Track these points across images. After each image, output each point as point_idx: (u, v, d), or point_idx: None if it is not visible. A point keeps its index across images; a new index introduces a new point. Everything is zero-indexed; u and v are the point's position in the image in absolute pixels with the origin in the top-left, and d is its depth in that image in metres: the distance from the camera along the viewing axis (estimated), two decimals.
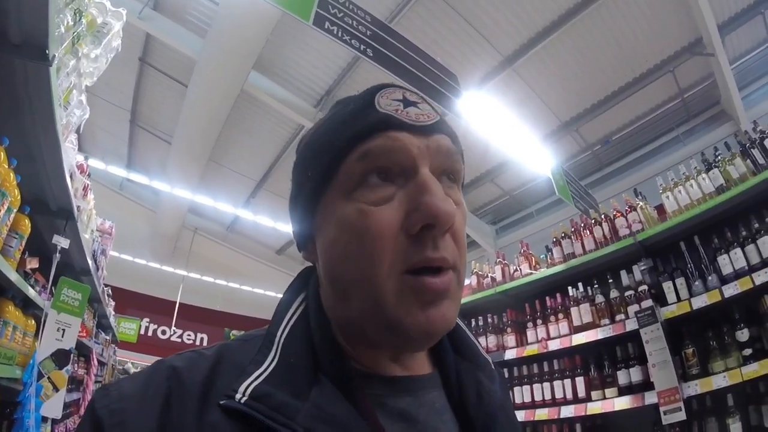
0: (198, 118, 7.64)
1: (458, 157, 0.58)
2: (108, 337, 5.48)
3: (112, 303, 5.53)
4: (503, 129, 4.68)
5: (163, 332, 12.62)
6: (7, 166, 1.53)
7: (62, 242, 2.27)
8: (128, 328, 8.60)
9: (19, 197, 1.69)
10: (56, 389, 2.20)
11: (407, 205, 0.51)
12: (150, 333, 12.37)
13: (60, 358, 2.16)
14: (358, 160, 0.53)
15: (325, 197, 0.56)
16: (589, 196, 6.46)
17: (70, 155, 2.13)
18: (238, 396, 0.47)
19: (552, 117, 7.77)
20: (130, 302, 11.02)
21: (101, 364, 4.93)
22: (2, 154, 1.48)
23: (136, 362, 10.98)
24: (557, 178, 5.45)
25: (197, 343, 13.17)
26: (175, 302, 11.79)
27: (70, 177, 2.17)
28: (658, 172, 6.72)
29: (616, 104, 7.35)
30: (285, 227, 9.15)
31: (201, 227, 12.40)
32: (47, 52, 1.51)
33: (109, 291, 5.08)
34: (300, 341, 0.55)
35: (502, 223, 10.26)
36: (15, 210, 1.67)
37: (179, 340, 12.86)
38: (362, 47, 3.31)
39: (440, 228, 0.50)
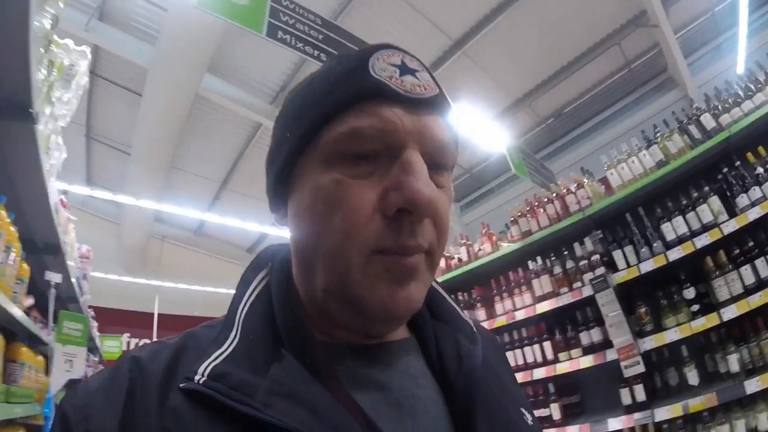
0: (155, 127, 7.54)
1: (453, 148, 0.54)
2: (96, 359, 5.51)
3: (95, 324, 5.55)
4: (457, 111, 4.84)
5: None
6: (8, 220, 1.64)
7: (55, 278, 2.37)
8: (111, 346, 8.51)
9: (20, 247, 1.80)
10: None
11: (388, 181, 0.49)
12: (132, 347, 12.25)
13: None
14: (345, 136, 0.50)
15: (303, 160, 0.54)
16: (545, 169, 6.77)
17: (54, 194, 2.22)
18: (197, 377, 0.46)
19: (504, 95, 8.02)
20: (109, 319, 10.77)
21: None
22: (2, 211, 1.59)
23: None
24: (513, 155, 5.70)
25: None
26: (153, 314, 11.70)
27: (56, 214, 2.26)
28: (611, 139, 7.07)
29: (566, 78, 7.63)
30: (252, 226, 9.23)
31: (168, 235, 12.26)
32: (31, 110, 1.60)
33: (92, 313, 5.11)
34: (260, 317, 0.54)
35: (465, 200, 10.49)
36: (19, 259, 1.78)
37: None
38: (316, 53, 3.41)
39: (418, 215, 0.48)
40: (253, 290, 0.58)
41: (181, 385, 0.46)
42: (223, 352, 0.49)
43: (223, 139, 9.05)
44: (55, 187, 2.29)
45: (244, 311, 0.55)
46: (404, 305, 0.50)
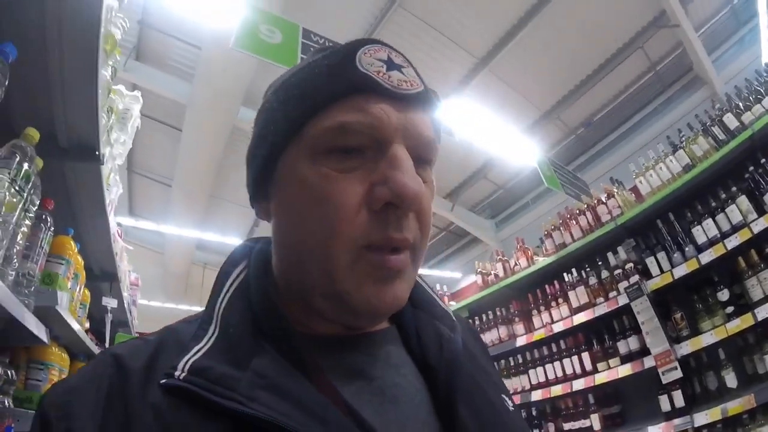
0: (195, 159, 7.86)
1: (435, 145, 0.55)
2: None
3: None
4: (486, 128, 4.89)
5: None
6: (76, 251, 1.82)
7: (111, 303, 2.57)
8: None
9: (85, 275, 1.99)
10: None
11: (374, 176, 0.49)
12: None
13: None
14: (333, 131, 0.50)
15: (288, 154, 0.53)
16: (578, 180, 6.69)
17: (113, 226, 2.43)
18: (177, 373, 0.45)
19: (532, 108, 8.02)
20: None
21: None
22: (72, 242, 1.77)
23: None
24: (544, 169, 5.67)
25: None
26: None
27: (114, 244, 2.47)
28: (646, 142, 6.95)
29: (593, 87, 7.58)
30: None
31: (209, 262, 12.60)
32: (98, 153, 1.78)
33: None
34: (239, 310, 0.53)
35: (501, 216, 10.43)
36: (83, 286, 1.97)
37: None
38: None
39: (405, 209, 0.49)
40: (231, 284, 0.57)
41: (161, 382, 0.45)
42: (203, 347, 0.49)
43: None
44: (113, 220, 2.50)
45: (223, 305, 0.54)
46: (390, 303, 0.50)
